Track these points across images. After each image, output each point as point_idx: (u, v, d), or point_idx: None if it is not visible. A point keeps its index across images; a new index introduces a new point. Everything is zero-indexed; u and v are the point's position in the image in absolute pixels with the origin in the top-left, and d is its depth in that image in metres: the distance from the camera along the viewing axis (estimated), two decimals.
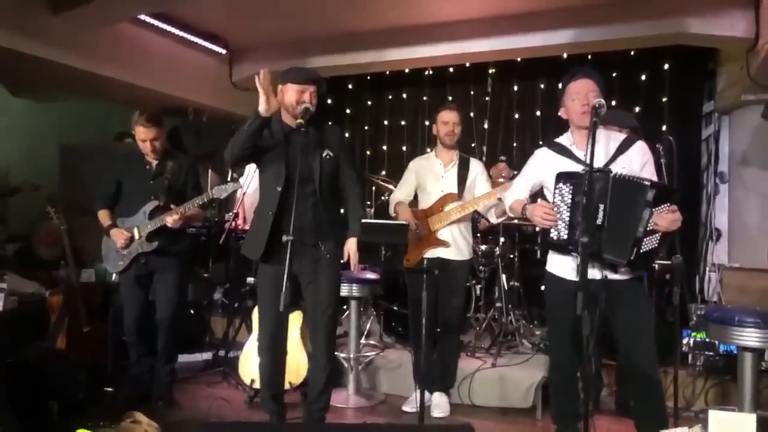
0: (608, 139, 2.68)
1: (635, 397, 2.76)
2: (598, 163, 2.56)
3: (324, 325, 2.97)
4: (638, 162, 2.62)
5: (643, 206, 2.42)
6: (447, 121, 3.66)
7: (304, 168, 2.81)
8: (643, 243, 2.45)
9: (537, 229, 4.74)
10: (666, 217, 2.43)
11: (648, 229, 2.44)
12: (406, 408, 3.73)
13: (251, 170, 4.58)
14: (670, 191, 2.49)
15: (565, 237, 2.55)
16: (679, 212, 2.46)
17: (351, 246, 2.96)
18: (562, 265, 2.72)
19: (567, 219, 2.54)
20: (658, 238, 2.48)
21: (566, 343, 2.72)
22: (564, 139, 2.77)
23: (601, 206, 2.41)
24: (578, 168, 2.59)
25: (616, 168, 2.57)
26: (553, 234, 2.60)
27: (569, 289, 2.58)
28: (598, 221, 2.41)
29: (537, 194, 2.95)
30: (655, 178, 2.61)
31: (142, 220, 3.48)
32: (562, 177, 2.57)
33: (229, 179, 3.24)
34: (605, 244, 2.47)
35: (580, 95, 2.59)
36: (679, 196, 2.51)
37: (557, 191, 2.57)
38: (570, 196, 2.53)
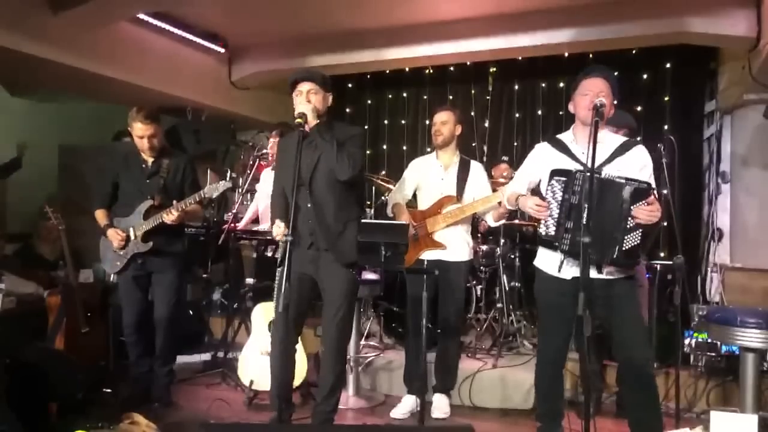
0: (608, 141, 2.69)
1: (630, 398, 2.73)
2: (596, 163, 2.56)
3: (333, 326, 2.93)
4: (635, 165, 2.62)
5: (621, 204, 2.47)
6: (435, 122, 3.68)
7: (304, 170, 2.81)
8: (625, 241, 2.49)
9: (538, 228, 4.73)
10: (643, 209, 2.45)
11: (629, 226, 2.47)
12: (394, 414, 3.61)
13: (266, 175, 4.60)
14: (645, 189, 2.50)
15: (552, 233, 2.59)
16: (657, 204, 2.48)
17: None
18: (547, 261, 2.74)
19: (555, 216, 2.58)
20: (639, 234, 2.50)
21: (553, 340, 2.74)
22: (565, 136, 2.79)
23: (586, 206, 2.41)
24: (573, 166, 2.62)
25: (611, 169, 2.58)
26: (542, 229, 2.64)
27: (556, 286, 2.66)
28: (583, 221, 2.40)
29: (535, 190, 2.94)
30: (651, 182, 2.61)
31: (137, 220, 3.46)
32: (555, 174, 2.61)
33: (227, 178, 3.21)
34: (590, 244, 2.45)
35: (592, 92, 2.59)
36: (651, 192, 2.52)
37: (549, 187, 2.61)
38: (561, 194, 2.57)
